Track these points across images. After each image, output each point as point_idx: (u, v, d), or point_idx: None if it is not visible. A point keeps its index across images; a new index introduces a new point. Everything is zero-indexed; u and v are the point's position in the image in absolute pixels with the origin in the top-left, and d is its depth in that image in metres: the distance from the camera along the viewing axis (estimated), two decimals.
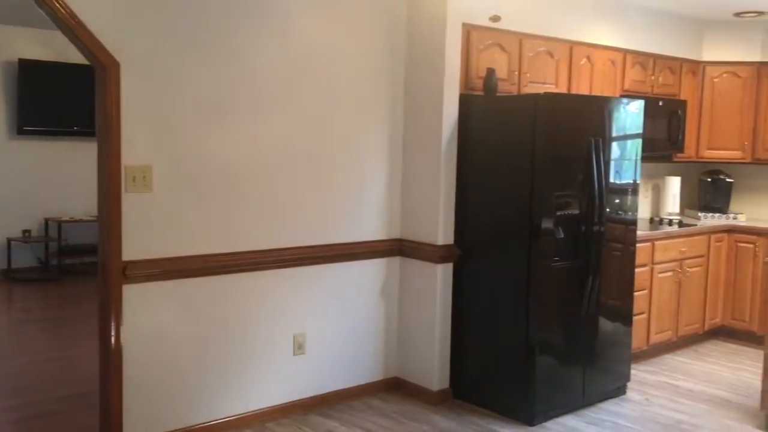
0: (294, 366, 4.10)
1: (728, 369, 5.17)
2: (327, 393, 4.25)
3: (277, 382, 4.03)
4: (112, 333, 3.40)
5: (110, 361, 3.42)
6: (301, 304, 4.11)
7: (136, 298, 3.45)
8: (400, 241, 4.50)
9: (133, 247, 3.42)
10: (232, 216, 3.77)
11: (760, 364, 4.07)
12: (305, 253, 4.08)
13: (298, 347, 4.11)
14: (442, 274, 4.33)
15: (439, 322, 4.34)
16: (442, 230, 4.30)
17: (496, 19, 4.02)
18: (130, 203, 3.41)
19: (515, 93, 4.54)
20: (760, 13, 5.51)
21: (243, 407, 3.89)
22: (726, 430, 4.07)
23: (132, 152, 3.40)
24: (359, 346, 4.40)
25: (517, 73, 4.55)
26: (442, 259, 4.31)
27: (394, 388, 4.54)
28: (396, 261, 4.52)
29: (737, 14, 5.62)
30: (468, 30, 4.29)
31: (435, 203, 4.30)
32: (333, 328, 4.27)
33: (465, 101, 4.29)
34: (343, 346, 4.33)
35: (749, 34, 5.90)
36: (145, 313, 3.50)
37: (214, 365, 3.77)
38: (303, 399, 4.15)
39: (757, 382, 4.18)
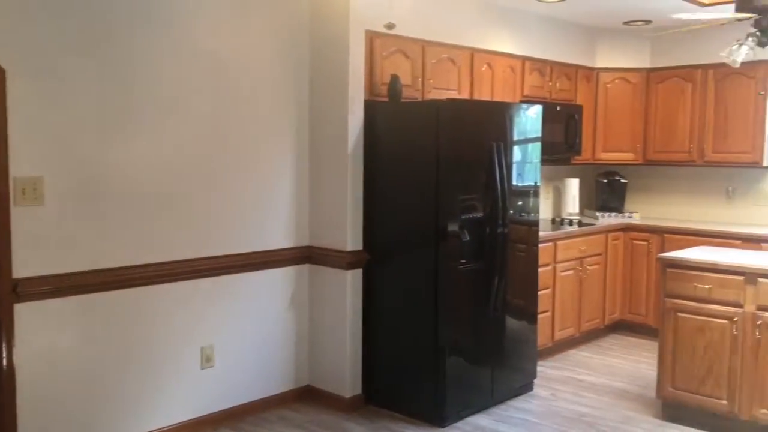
0: (202, 380, 4.00)
1: (627, 361, 5.42)
2: (237, 406, 4.17)
3: (183, 397, 3.91)
4: (4, 354, 3.21)
5: (2, 384, 3.22)
6: (208, 315, 4.01)
7: (29, 317, 3.27)
8: (309, 248, 4.47)
9: (24, 264, 3.24)
10: (133, 227, 3.64)
11: (656, 356, 4.27)
12: (212, 264, 3.98)
13: (206, 360, 4.01)
14: (351, 280, 4.33)
15: (350, 329, 4.34)
16: (350, 236, 4.30)
17: (390, 26, 4.06)
18: (20, 217, 3.22)
19: (420, 99, 4.60)
20: (648, 21, 5.82)
21: (147, 426, 3.75)
22: (626, 420, 4.26)
23: (21, 163, 3.22)
24: (270, 356, 4.34)
25: (420, 79, 4.62)
26: (351, 265, 4.31)
27: (307, 397, 4.49)
28: (306, 268, 4.48)
29: (626, 23, 5.92)
30: (371, 37, 4.31)
31: (342, 210, 4.29)
32: (243, 339, 4.19)
33: (370, 107, 4.31)
34: (254, 357, 4.25)
35: (638, 42, 6.22)
36: (40, 332, 3.32)
37: (116, 384, 3.62)
38: (212, 413, 4.04)
39: (653, 373, 4.39)
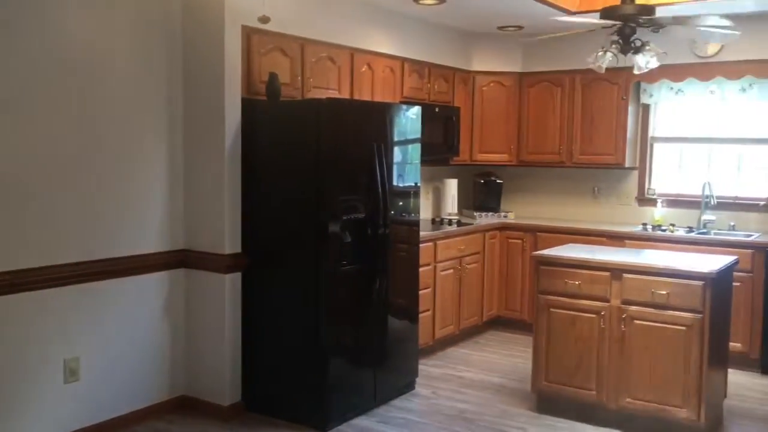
0: (65, 395, 3.72)
1: (504, 357, 5.58)
2: (106, 421, 3.92)
3: (44, 415, 3.62)
4: None
5: None
6: (73, 326, 3.74)
7: None
8: (184, 252, 4.28)
9: None
10: None
11: (531, 350, 4.42)
12: (78, 270, 3.72)
13: (71, 373, 3.73)
14: (230, 285, 4.18)
15: (228, 335, 4.19)
16: (228, 239, 4.15)
17: (264, 20, 3.95)
18: None
19: (299, 98, 4.51)
20: (520, 27, 6.02)
21: None
22: (503, 414, 4.37)
23: None
24: (142, 366, 4.11)
25: (300, 78, 4.54)
26: (230, 269, 4.17)
27: (183, 407, 4.30)
28: (181, 273, 4.29)
29: (500, 27, 6.10)
30: (248, 33, 4.19)
31: (220, 211, 4.14)
32: (112, 350, 3.94)
33: (248, 106, 4.18)
34: (124, 368, 4.01)
35: (511, 46, 6.43)
36: None
37: None
38: (78, 430, 3.77)
39: (528, 367, 4.54)
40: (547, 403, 4.36)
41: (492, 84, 6.45)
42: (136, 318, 4.07)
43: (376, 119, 4.34)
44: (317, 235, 4.01)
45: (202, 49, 4.14)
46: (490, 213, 6.50)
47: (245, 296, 4.26)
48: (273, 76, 4.21)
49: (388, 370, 4.48)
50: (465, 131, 6.27)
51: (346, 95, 4.89)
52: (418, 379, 4.81)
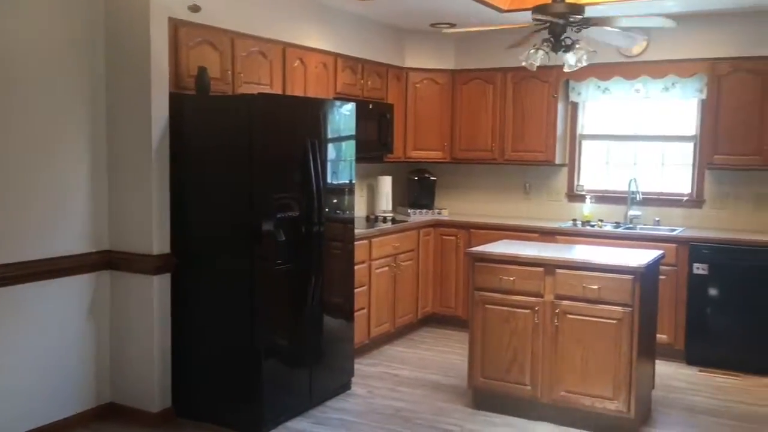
0: None
1: (440, 353, 5.59)
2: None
3: None
4: None
5: None
6: None
7: None
8: (109, 253, 4.10)
9: None
10: None
11: (466, 347, 4.43)
12: None
13: None
14: (159, 286, 4.03)
15: (157, 338, 4.04)
16: (156, 239, 4.00)
17: (195, 9, 3.81)
18: None
19: (230, 93, 4.39)
20: (452, 24, 6.04)
21: None
22: (439, 411, 4.37)
23: None
24: (64, 374, 3.92)
25: (230, 72, 4.41)
26: (158, 270, 4.01)
27: (109, 415, 4.12)
28: (106, 275, 4.11)
29: (433, 25, 6.10)
30: (176, 25, 4.04)
31: (147, 210, 3.98)
32: (30, 359, 3.74)
33: (176, 100, 4.04)
34: (45, 377, 3.81)
35: (444, 44, 6.45)
36: None
37: None
38: None
39: (464, 364, 4.55)
40: (483, 399, 4.38)
41: (425, 81, 6.45)
42: (58, 323, 3.87)
43: (309, 115, 4.26)
44: (250, 234, 3.90)
45: (126, 41, 3.97)
46: (425, 210, 6.50)
47: (175, 298, 4.12)
48: (202, 71, 4.08)
49: (323, 370, 4.42)
50: (399, 128, 6.25)
51: (278, 91, 4.79)
52: (354, 379, 4.76)
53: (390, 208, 6.34)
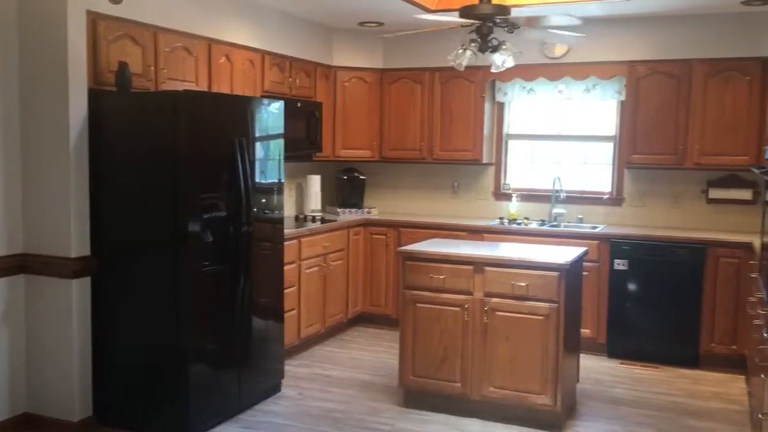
0: None
1: (370, 353, 5.58)
2: None
3: None
4: None
5: None
6: None
7: None
8: (24, 256, 3.90)
9: None
10: None
11: (397, 345, 4.44)
12: None
13: None
14: (78, 290, 3.86)
15: (77, 345, 3.87)
16: (75, 241, 3.83)
17: (116, 0, 3.67)
18: None
19: (152, 90, 4.25)
20: (380, 23, 6.04)
21: None
22: (371, 411, 4.36)
23: None
24: None
25: (153, 68, 4.27)
26: (77, 273, 3.85)
27: (26, 425, 3.93)
28: (20, 280, 3.91)
29: (361, 23, 6.09)
30: (94, 18, 3.88)
31: (65, 211, 3.81)
32: None
33: (96, 97, 3.88)
34: None
35: (372, 43, 6.45)
36: None
37: None
38: None
39: (395, 362, 4.56)
40: (414, 398, 4.39)
41: (354, 80, 6.43)
42: None
43: (236, 113, 4.17)
44: (175, 235, 3.79)
45: (42, 35, 3.78)
46: (354, 209, 6.48)
47: (96, 302, 3.96)
48: (123, 66, 3.93)
49: (252, 373, 4.34)
50: (327, 127, 6.21)
51: (203, 88, 4.67)
52: (284, 381, 4.69)
53: (319, 207, 6.29)
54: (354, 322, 6.28)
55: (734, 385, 4.95)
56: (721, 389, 4.86)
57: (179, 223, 3.78)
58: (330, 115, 6.28)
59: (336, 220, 6.05)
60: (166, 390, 3.86)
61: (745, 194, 5.56)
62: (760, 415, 3.23)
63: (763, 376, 3.11)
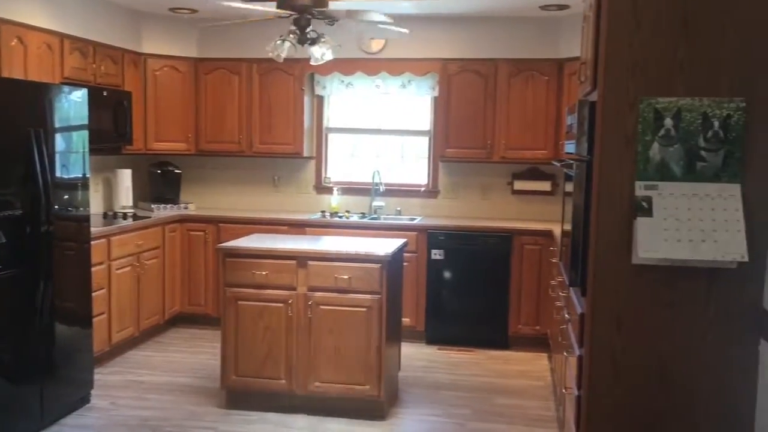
0: None
1: (191, 355, 5.35)
2: None
3: None
4: None
5: None
6: None
7: None
8: None
9: None
10: None
11: (219, 345, 4.28)
12: None
13: None
14: None
15: None
16: None
17: None
18: None
19: None
20: (194, 10, 5.78)
21: None
22: (191, 416, 4.17)
23: None
24: None
25: None
26: None
27: None
28: None
29: (172, 9, 5.79)
30: None
31: None
32: None
33: None
34: None
35: (186, 30, 6.16)
36: None
37: None
38: None
39: (217, 363, 4.40)
40: (238, 398, 4.27)
41: (166, 68, 6.11)
42: None
43: (32, 102, 3.79)
44: None
45: None
46: (169, 205, 6.17)
47: None
48: None
49: (57, 385, 3.98)
50: (138, 118, 5.84)
51: None
52: (93, 391, 4.35)
53: (131, 203, 5.91)
54: (172, 324, 5.99)
55: (539, 363, 5.35)
56: (527, 368, 5.23)
57: None
58: (141, 106, 5.91)
59: (150, 217, 5.71)
60: None
61: (545, 185, 6.03)
62: (563, 390, 3.50)
63: (565, 354, 3.36)
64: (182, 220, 6.01)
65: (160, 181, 6.32)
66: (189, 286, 6.03)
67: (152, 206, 6.05)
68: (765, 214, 2.43)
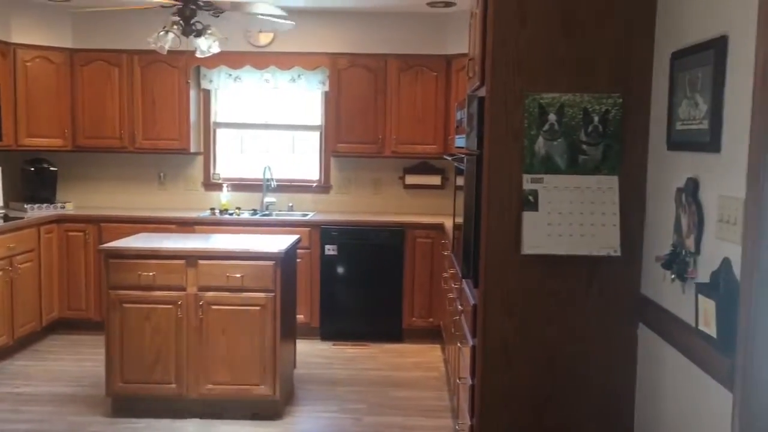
0: None
1: (72, 362, 5.05)
2: None
3: None
4: None
5: None
6: None
7: None
8: None
9: None
10: None
11: (103, 351, 4.07)
12: None
13: None
14: None
15: None
16: None
17: None
18: None
19: None
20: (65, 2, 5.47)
21: None
22: (73, 426, 3.94)
23: None
24: None
25: None
26: None
27: None
28: None
29: None
30: None
31: None
32: None
33: None
34: None
35: (60, 19, 5.80)
36: None
37: None
38: None
39: (101, 370, 4.18)
40: (124, 405, 4.08)
41: (38, 60, 5.73)
42: None
43: None
44: None
45: None
46: (45, 204, 5.81)
47: None
48: None
49: None
50: (7, 112, 5.44)
51: None
52: None
53: (0, 203, 5.51)
54: (50, 330, 5.64)
55: (432, 354, 5.44)
56: (421, 359, 5.31)
57: None
58: (10, 99, 5.52)
59: (23, 218, 5.35)
60: None
61: (436, 180, 6.13)
62: (458, 380, 3.57)
63: (458, 344, 3.44)
64: (59, 220, 5.66)
65: (33, 180, 5.93)
66: (68, 289, 5.70)
67: (25, 206, 5.67)
68: (640, 204, 2.57)
